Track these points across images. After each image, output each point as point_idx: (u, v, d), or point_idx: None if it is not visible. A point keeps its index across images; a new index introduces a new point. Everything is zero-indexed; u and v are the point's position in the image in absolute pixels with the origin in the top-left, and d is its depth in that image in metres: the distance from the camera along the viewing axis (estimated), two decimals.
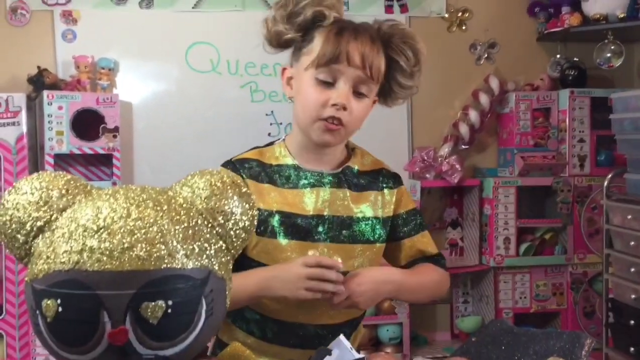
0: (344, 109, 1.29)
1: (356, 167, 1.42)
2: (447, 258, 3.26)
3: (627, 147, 2.62)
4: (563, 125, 3.09)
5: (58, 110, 2.65)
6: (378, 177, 1.44)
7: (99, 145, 2.69)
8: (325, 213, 1.36)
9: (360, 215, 1.38)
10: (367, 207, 1.40)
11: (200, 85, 3.04)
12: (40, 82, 2.74)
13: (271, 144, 1.45)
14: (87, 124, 2.72)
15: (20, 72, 2.82)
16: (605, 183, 2.72)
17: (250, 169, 1.38)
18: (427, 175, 3.03)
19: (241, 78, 3.08)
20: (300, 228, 1.35)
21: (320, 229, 1.35)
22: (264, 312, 1.37)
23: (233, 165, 1.38)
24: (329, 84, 1.30)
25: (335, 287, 1.23)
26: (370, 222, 1.39)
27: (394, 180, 1.46)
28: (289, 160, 1.39)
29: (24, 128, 2.63)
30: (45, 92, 2.66)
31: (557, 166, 3.06)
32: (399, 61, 1.35)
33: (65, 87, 2.79)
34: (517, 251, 3.03)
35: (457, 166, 3.00)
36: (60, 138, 2.65)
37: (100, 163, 2.85)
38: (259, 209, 1.26)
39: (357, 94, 1.32)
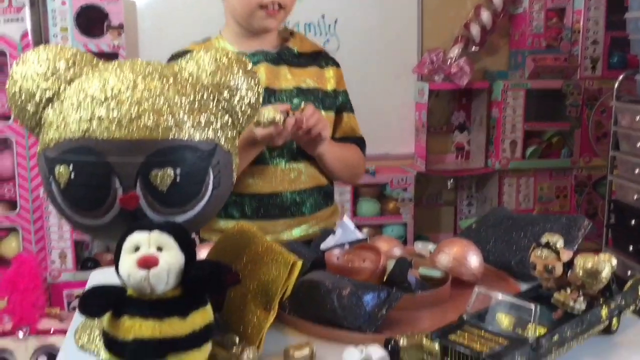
0: None
1: (296, 49, 1.48)
2: (453, 161, 3.33)
3: None
4: (577, 26, 3.01)
5: (62, 6, 2.61)
6: (318, 57, 1.51)
7: (105, 42, 2.66)
8: (273, 86, 1.40)
9: (304, 86, 1.44)
10: (311, 80, 1.46)
11: None
12: None
13: (208, 39, 1.49)
14: (91, 21, 2.68)
15: None
16: (616, 85, 2.68)
17: None
18: (436, 78, 3.00)
19: None
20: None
21: (270, 100, 1.39)
22: (239, 190, 1.41)
23: (179, 57, 1.40)
24: None
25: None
26: (317, 93, 1.45)
27: (333, 61, 1.54)
28: (230, 49, 1.42)
29: (28, 24, 2.60)
30: None
31: (568, 69, 3.01)
32: None
33: None
34: (523, 154, 3.04)
35: (467, 68, 2.96)
36: (64, 35, 2.62)
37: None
38: None
39: None
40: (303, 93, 1.43)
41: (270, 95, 1.39)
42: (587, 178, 3.12)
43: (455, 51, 3.04)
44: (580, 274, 0.90)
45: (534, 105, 3.12)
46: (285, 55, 1.46)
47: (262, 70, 1.40)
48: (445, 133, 3.23)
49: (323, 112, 1.44)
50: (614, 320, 0.96)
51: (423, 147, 3.02)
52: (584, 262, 0.90)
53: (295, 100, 1.40)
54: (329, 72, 1.51)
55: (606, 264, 0.90)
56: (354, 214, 2.92)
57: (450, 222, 3.33)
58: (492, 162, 3.09)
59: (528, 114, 3.03)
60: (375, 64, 3.04)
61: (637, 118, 2.51)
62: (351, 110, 1.56)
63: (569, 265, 0.93)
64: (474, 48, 3.10)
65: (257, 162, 1.39)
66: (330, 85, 1.50)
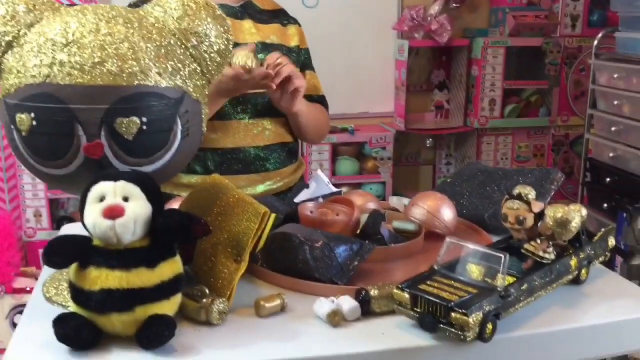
0: None
1: (258, 5, 1.47)
2: (432, 120, 3.31)
3: (620, 4, 2.55)
4: None
5: None
6: (279, 15, 1.51)
7: None
8: (237, 40, 1.37)
9: (268, 41, 1.43)
10: (274, 36, 1.45)
11: None
12: None
13: None
14: None
15: None
16: (595, 42, 2.68)
17: None
18: (416, 35, 2.96)
19: None
20: None
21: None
22: (202, 145, 1.37)
23: (139, 3, 1.36)
24: None
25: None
26: (282, 49, 1.42)
27: (294, 20, 1.54)
28: None
29: None
30: None
31: (548, 26, 2.99)
32: None
33: None
34: (502, 113, 3.04)
35: (447, 25, 2.93)
36: None
37: None
38: None
39: None
40: (267, 48, 1.40)
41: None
42: (564, 137, 3.14)
43: (435, 8, 3.00)
44: (551, 224, 0.90)
45: (514, 63, 3.11)
46: (249, 10, 1.44)
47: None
48: (424, 91, 3.22)
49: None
50: (583, 271, 0.96)
51: (402, 106, 3.00)
52: (554, 212, 0.90)
53: (261, 55, 1.37)
54: (291, 29, 1.50)
55: (576, 213, 0.90)
56: (333, 173, 2.91)
57: (429, 181, 3.35)
58: (471, 120, 3.09)
59: (507, 73, 3.02)
60: (354, 20, 2.99)
61: (615, 76, 2.51)
62: (312, 68, 1.55)
63: (540, 216, 0.93)
64: (454, 5, 3.06)
65: (220, 117, 1.36)
66: (293, 42, 1.49)
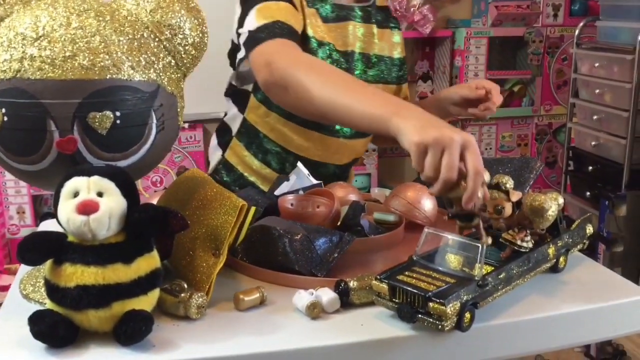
0: None
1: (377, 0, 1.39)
2: None
3: None
4: None
5: None
6: (388, 15, 1.41)
7: None
8: (356, 50, 1.33)
9: (384, 54, 1.36)
10: (385, 45, 1.38)
11: None
12: None
13: None
14: None
15: None
16: (577, 31, 2.70)
17: None
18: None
19: None
20: (339, 62, 1.31)
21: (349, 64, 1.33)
22: (289, 147, 1.37)
23: None
24: None
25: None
26: (393, 60, 1.37)
27: (395, 20, 1.43)
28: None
29: None
30: None
31: (530, 16, 3.00)
32: None
33: None
34: None
35: (430, 16, 2.93)
36: None
37: None
38: (307, 35, 1.26)
39: None
40: (374, 64, 1.34)
41: (368, 62, 1.32)
42: (547, 126, 3.16)
43: None
44: (528, 212, 0.91)
45: (496, 53, 3.12)
46: (372, 10, 1.36)
47: (360, 30, 1.33)
48: (409, 83, 3.21)
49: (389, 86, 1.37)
50: (561, 259, 0.97)
51: None
52: (531, 201, 0.90)
53: (371, 72, 1.32)
54: (397, 36, 1.40)
55: (553, 202, 0.91)
56: None
57: (414, 172, 3.34)
58: None
59: (490, 63, 3.03)
60: None
61: (597, 64, 2.53)
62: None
63: (518, 205, 0.93)
64: None
65: (322, 130, 1.34)
66: (397, 53, 1.39)
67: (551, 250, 0.94)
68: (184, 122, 0.95)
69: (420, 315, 0.79)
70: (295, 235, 0.96)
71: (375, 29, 1.37)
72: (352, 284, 0.87)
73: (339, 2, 1.33)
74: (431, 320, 0.78)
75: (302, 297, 0.87)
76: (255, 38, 1.15)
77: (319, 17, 1.29)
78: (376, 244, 1.07)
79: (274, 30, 1.15)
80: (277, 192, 1.21)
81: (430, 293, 0.78)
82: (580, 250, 1.03)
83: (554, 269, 0.97)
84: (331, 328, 0.83)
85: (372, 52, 1.36)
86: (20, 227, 2.73)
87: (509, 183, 0.93)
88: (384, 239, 1.08)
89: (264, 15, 1.17)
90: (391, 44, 1.40)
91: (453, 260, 0.85)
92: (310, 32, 1.26)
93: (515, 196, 0.92)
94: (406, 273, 0.84)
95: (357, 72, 1.34)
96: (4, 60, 0.77)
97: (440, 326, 0.77)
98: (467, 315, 0.80)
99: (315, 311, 0.85)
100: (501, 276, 0.85)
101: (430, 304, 0.77)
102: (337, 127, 1.35)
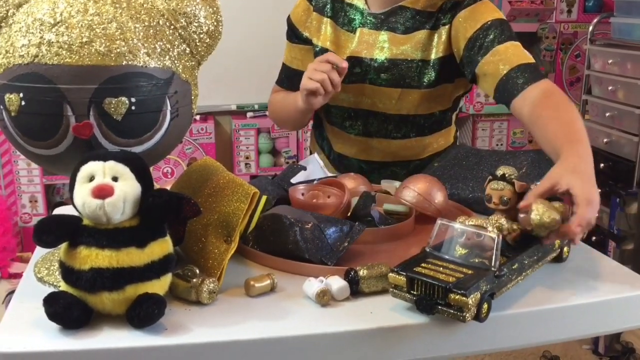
0: None
1: (409, 6, 1.34)
2: None
3: None
4: None
5: None
6: (434, 15, 1.33)
7: None
8: (363, 55, 1.34)
9: (401, 57, 1.34)
10: (409, 48, 1.34)
11: None
12: None
13: None
14: None
15: None
16: (591, 28, 2.68)
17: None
18: None
19: None
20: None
21: (357, 70, 1.34)
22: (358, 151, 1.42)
23: None
24: None
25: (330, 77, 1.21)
26: (415, 64, 1.33)
27: (451, 10, 1.31)
28: (359, 3, 1.36)
29: None
30: None
31: (544, 11, 2.99)
32: None
33: None
34: None
35: None
36: None
37: None
38: (312, 43, 1.35)
39: None
40: (389, 68, 1.35)
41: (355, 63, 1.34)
42: None
43: None
44: (535, 222, 0.85)
45: None
46: (396, 16, 1.35)
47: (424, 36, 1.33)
48: None
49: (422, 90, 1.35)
50: (565, 249, 0.98)
51: None
52: (542, 216, 0.85)
53: (383, 75, 1.34)
54: (443, 34, 1.33)
55: (560, 218, 0.88)
56: None
57: None
58: (466, 106, 3.08)
59: None
60: None
61: (610, 61, 2.51)
62: (498, 42, 1.32)
63: (522, 197, 0.93)
64: None
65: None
66: (434, 54, 1.33)
67: (557, 241, 0.94)
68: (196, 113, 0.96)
69: (439, 307, 0.79)
70: (306, 224, 0.97)
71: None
72: (362, 272, 0.88)
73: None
74: (451, 311, 0.78)
75: (312, 285, 0.87)
76: None
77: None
78: (386, 234, 1.07)
79: None
80: (293, 181, 1.21)
81: (450, 284, 0.78)
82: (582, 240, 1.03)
83: (558, 259, 0.97)
84: (340, 315, 0.84)
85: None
86: (32, 216, 2.75)
87: (514, 174, 0.94)
88: (394, 229, 1.08)
89: None
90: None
91: (467, 251, 0.86)
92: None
93: (521, 188, 0.92)
94: (422, 265, 0.83)
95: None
96: (22, 45, 0.79)
97: (461, 317, 0.77)
98: (485, 305, 0.80)
99: (325, 298, 0.86)
100: (514, 267, 0.86)
101: (451, 295, 0.77)
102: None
